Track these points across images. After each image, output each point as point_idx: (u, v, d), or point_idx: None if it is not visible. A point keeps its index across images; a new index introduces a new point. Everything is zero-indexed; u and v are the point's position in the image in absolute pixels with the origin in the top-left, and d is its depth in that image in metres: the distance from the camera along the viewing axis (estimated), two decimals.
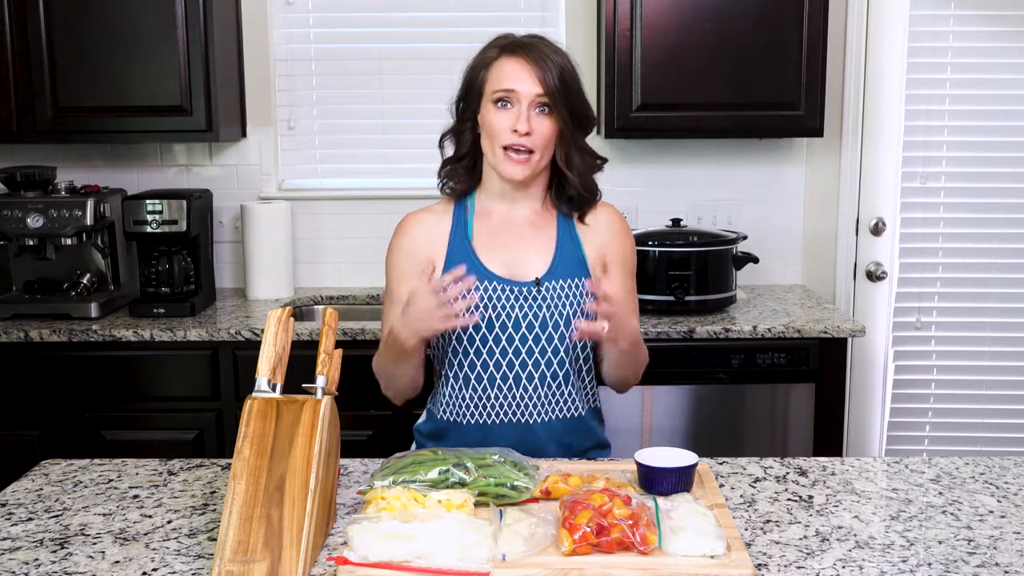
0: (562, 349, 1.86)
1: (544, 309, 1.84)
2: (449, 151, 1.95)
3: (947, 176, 3.34)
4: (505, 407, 1.86)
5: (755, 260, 2.98)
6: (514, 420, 1.87)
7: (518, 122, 1.79)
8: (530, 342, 1.85)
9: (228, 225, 3.37)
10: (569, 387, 1.89)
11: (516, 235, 1.90)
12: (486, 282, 1.85)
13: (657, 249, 2.88)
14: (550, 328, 1.85)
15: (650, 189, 3.31)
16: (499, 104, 1.81)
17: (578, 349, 1.89)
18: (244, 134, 3.33)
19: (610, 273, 1.86)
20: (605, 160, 1.94)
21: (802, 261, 3.41)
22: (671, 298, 2.86)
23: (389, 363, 1.87)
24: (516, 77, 1.80)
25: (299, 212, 3.35)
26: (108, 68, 2.96)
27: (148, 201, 2.94)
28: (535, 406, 1.87)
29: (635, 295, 2.01)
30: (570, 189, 1.89)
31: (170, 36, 2.95)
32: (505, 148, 1.81)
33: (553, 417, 1.88)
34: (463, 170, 1.92)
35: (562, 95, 1.80)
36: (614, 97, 2.99)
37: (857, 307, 3.39)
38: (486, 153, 1.86)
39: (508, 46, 1.84)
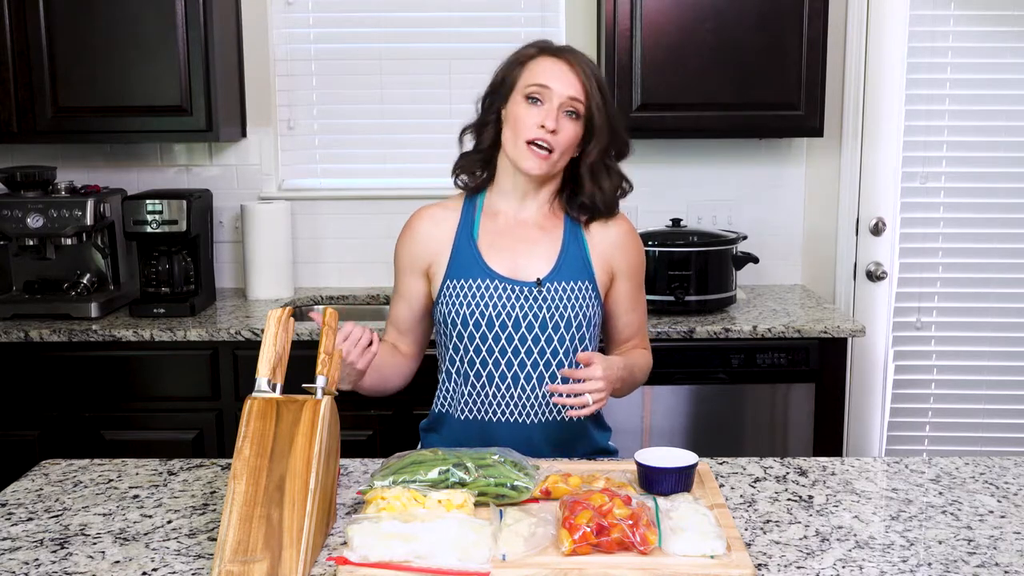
0: (561, 351, 1.86)
1: (545, 310, 1.85)
2: (468, 146, 1.95)
3: (947, 176, 3.34)
4: (503, 405, 1.87)
5: (755, 260, 2.98)
6: (511, 419, 1.87)
7: (546, 118, 1.79)
8: (529, 342, 1.85)
9: (228, 225, 3.37)
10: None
11: (521, 236, 1.90)
12: (488, 280, 1.86)
13: (657, 249, 2.88)
14: (550, 329, 1.85)
15: (650, 189, 3.30)
16: (530, 100, 1.81)
17: (579, 353, 1.89)
18: (244, 134, 3.33)
19: (622, 287, 1.94)
20: (631, 187, 1.94)
21: (802, 261, 3.41)
22: (671, 298, 2.86)
23: None
24: (553, 75, 1.81)
25: (299, 212, 3.35)
26: (108, 68, 2.96)
27: (148, 201, 2.94)
28: (532, 407, 1.87)
29: (644, 306, 2.00)
30: (585, 198, 1.89)
31: (170, 36, 2.95)
32: (528, 142, 1.81)
33: (550, 419, 1.89)
34: (479, 163, 1.92)
35: (596, 102, 1.81)
36: (614, 97, 2.98)
37: (857, 307, 3.39)
38: (506, 146, 1.85)
39: (547, 48, 1.86)
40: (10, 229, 2.91)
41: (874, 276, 3.38)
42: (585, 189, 1.88)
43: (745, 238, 3.02)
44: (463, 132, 1.95)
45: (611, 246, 1.93)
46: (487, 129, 1.90)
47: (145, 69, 2.97)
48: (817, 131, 3.03)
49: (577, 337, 1.87)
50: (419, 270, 1.92)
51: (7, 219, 2.89)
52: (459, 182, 1.95)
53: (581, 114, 1.81)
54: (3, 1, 2.92)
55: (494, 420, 1.88)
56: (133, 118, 3.01)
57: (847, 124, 3.30)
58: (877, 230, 3.36)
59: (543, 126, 1.79)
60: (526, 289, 1.85)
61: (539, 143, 1.80)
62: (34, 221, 2.89)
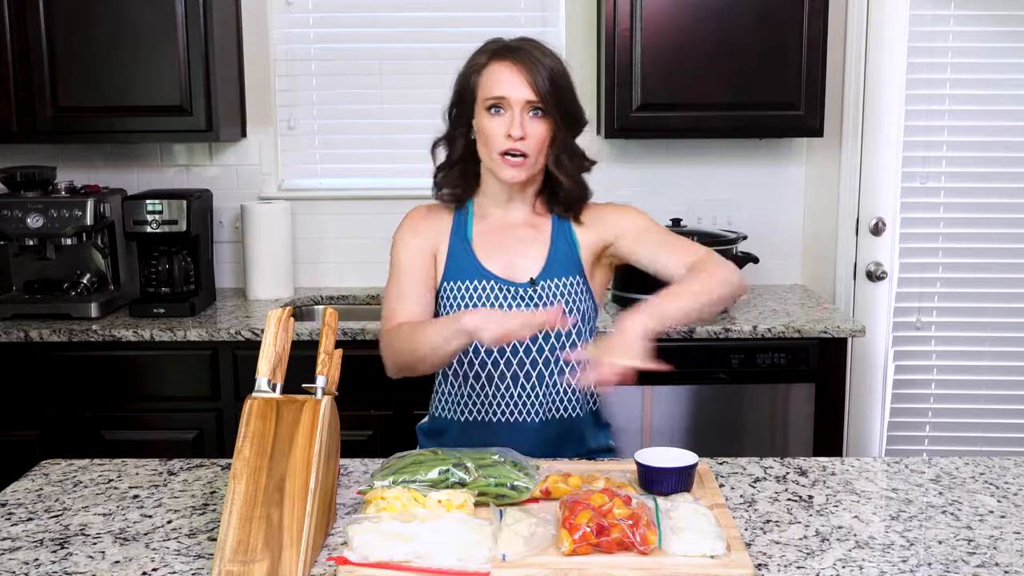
0: (559, 347, 1.87)
1: (540, 308, 1.85)
2: (441, 158, 1.95)
3: (947, 176, 3.34)
4: (502, 405, 1.87)
5: (755, 260, 2.98)
6: (511, 419, 1.88)
7: (511, 127, 1.79)
8: (528, 341, 1.85)
9: (228, 225, 3.37)
10: (566, 387, 1.89)
11: (512, 236, 1.91)
12: (484, 281, 1.86)
13: None
14: (547, 328, 1.85)
15: (650, 189, 3.31)
16: (492, 111, 1.82)
17: (576, 348, 1.89)
18: (244, 134, 3.33)
19: (632, 235, 1.88)
20: (594, 162, 1.93)
21: (802, 261, 3.40)
22: None
23: (425, 343, 1.77)
24: (506, 83, 1.81)
25: (299, 212, 3.35)
26: (108, 68, 2.96)
27: (148, 201, 2.94)
28: (532, 405, 1.87)
29: (671, 233, 1.95)
30: (560, 191, 1.90)
31: (170, 36, 2.94)
32: (501, 153, 1.82)
33: (549, 417, 1.89)
34: (456, 175, 1.92)
35: (553, 98, 1.81)
36: (614, 97, 2.99)
37: (857, 307, 3.39)
38: (483, 158, 1.87)
39: (498, 51, 1.85)
40: (10, 229, 2.91)
41: (874, 276, 3.38)
42: (555, 179, 1.87)
43: (745, 238, 3.02)
44: (434, 145, 1.95)
45: (600, 223, 1.93)
46: (457, 141, 1.91)
47: (145, 69, 2.97)
48: (817, 131, 3.03)
49: (574, 333, 1.88)
50: (429, 253, 1.91)
51: (7, 219, 2.89)
52: (445, 197, 1.94)
53: (544, 110, 1.81)
54: (3, 1, 2.92)
55: (494, 421, 1.88)
56: (133, 118, 3.00)
57: (847, 124, 3.30)
58: (877, 230, 3.36)
59: (510, 135, 1.79)
60: (520, 290, 1.86)
61: (511, 153, 1.81)
62: (34, 221, 2.89)
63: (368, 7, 3.31)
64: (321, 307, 3.23)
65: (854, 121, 3.30)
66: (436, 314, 1.91)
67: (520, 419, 1.88)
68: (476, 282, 1.87)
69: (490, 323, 1.66)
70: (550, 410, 1.89)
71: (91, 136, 3.11)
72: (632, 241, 1.91)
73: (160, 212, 2.94)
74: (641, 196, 3.29)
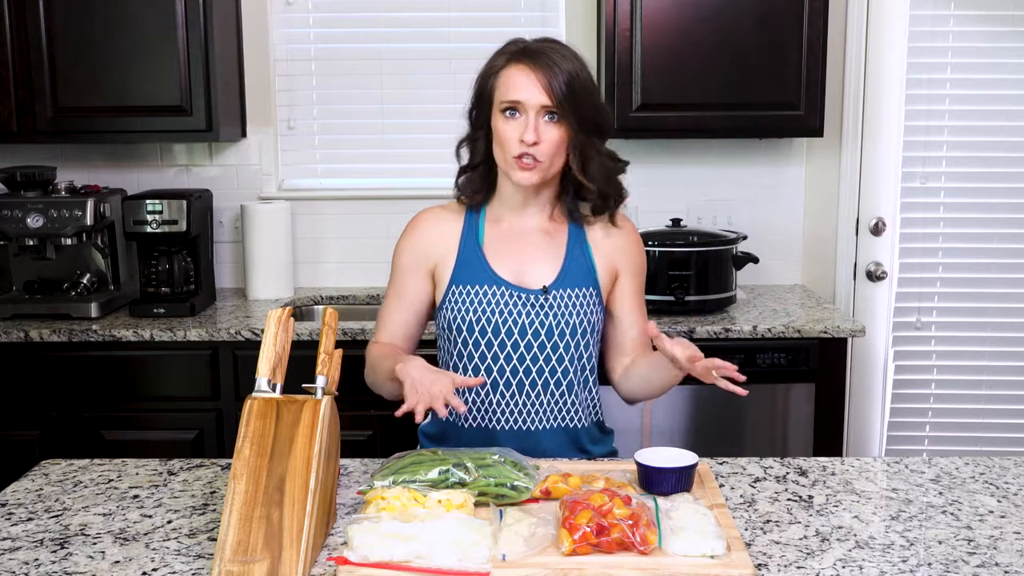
0: (567, 358, 1.86)
1: (551, 317, 1.84)
2: (465, 159, 1.94)
3: (947, 176, 3.34)
4: (508, 413, 1.87)
5: (755, 260, 2.98)
6: (515, 427, 1.87)
7: (525, 132, 1.77)
8: (535, 349, 1.85)
9: (228, 225, 3.37)
10: (572, 397, 1.89)
11: (526, 242, 1.89)
12: (495, 287, 1.85)
13: (657, 249, 2.88)
14: (556, 336, 1.85)
15: (650, 189, 3.31)
16: (507, 114, 1.80)
17: (584, 360, 1.89)
18: (244, 134, 3.33)
19: (626, 286, 1.93)
20: (626, 162, 1.91)
21: (802, 261, 3.40)
22: (671, 298, 2.86)
23: (379, 375, 1.89)
24: (522, 87, 1.78)
25: (299, 212, 3.35)
26: (108, 68, 2.96)
27: (148, 201, 2.94)
28: (537, 413, 1.87)
29: (644, 308, 1.99)
30: (589, 196, 1.87)
31: (170, 36, 2.95)
32: (515, 157, 1.79)
33: (554, 426, 1.88)
34: (479, 177, 1.90)
35: (570, 102, 1.78)
36: (614, 97, 2.99)
37: (857, 307, 3.39)
38: (498, 161, 1.85)
39: (516, 54, 1.82)
40: (10, 229, 2.91)
41: (874, 276, 3.38)
42: (582, 184, 1.85)
43: (745, 238, 3.02)
44: (459, 146, 1.93)
45: (614, 247, 1.92)
46: (479, 143, 1.89)
47: (145, 69, 2.97)
48: (817, 131, 3.03)
49: (582, 344, 1.87)
50: (424, 270, 1.91)
51: (7, 219, 2.89)
52: (464, 199, 1.93)
53: (560, 115, 1.79)
54: (3, 1, 2.92)
55: (498, 428, 1.87)
56: (133, 118, 3.00)
57: (847, 124, 3.30)
58: (877, 230, 3.36)
59: (523, 140, 1.77)
60: (532, 297, 1.85)
61: (524, 156, 1.79)
62: (34, 221, 2.89)
63: (368, 7, 3.31)
64: (321, 307, 3.23)
65: (854, 121, 3.30)
66: (444, 319, 1.90)
67: (524, 427, 1.87)
68: (487, 287, 1.85)
69: (418, 378, 1.65)
70: (554, 419, 1.88)
71: (91, 136, 3.11)
72: (626, 281, 1.94)
73: (160, 212, 2.94)
74: (641, 196, 3.29)
